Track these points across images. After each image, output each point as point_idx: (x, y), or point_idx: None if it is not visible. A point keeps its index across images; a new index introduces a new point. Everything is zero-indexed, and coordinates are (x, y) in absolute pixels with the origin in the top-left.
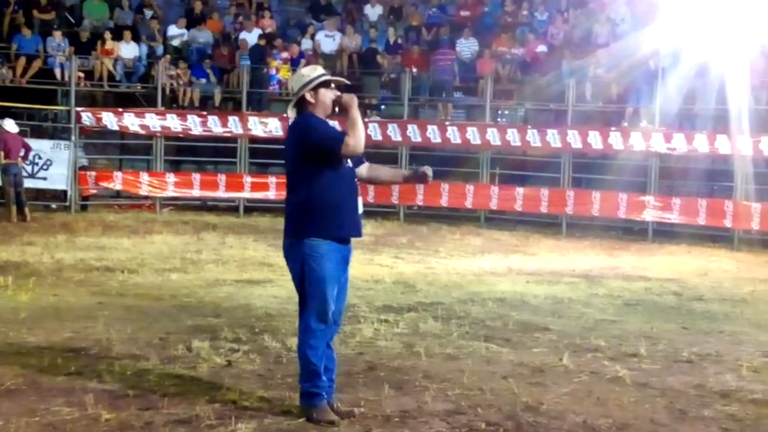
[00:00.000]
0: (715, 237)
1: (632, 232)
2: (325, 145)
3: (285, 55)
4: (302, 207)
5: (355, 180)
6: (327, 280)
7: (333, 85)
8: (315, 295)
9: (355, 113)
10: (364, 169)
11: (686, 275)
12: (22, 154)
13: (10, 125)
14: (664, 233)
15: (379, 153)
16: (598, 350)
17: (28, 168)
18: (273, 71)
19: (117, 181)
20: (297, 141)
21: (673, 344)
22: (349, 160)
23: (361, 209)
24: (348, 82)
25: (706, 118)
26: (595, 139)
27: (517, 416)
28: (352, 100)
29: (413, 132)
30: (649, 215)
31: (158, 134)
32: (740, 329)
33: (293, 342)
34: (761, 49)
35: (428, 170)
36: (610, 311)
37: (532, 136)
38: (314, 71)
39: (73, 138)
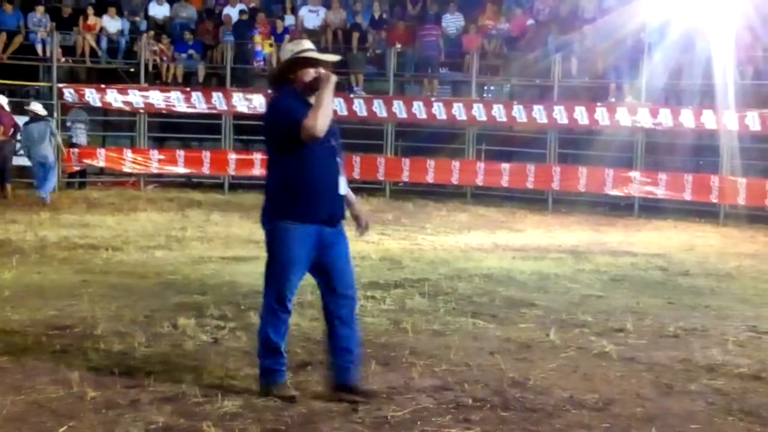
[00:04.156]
0: (702, 212)
1: (618, 207)
2: (287, 130)
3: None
4: (274, 187)
5: (337, 159)
6: (289, 263)
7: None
8: (277, 277)
9: (324, 93)
10: None
11: (672, 250)
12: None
13: (4, 101)
14: (651, 208)
15: (365, 129)
16: (585, 326)
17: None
18: (258, 47)
19: (100, 158)
20: (266, 122)
21: (659, 319)
22: (332, 139)
23: (342, 190)
24: (337, 58)
25: (692, 93)
26: (581, 115)
27: (504, 392)
28: (329, 80)
29: (399, 108)
30: (636, 191)
31: (141, 111)
32: (726, 304)
33: None
34: (746, 23)
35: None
36: (597, 287)
37: (518, 112)
38: (298, 45)
39: (55, 114)
